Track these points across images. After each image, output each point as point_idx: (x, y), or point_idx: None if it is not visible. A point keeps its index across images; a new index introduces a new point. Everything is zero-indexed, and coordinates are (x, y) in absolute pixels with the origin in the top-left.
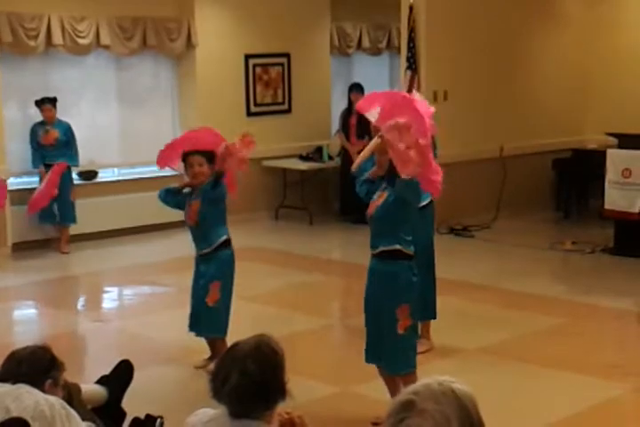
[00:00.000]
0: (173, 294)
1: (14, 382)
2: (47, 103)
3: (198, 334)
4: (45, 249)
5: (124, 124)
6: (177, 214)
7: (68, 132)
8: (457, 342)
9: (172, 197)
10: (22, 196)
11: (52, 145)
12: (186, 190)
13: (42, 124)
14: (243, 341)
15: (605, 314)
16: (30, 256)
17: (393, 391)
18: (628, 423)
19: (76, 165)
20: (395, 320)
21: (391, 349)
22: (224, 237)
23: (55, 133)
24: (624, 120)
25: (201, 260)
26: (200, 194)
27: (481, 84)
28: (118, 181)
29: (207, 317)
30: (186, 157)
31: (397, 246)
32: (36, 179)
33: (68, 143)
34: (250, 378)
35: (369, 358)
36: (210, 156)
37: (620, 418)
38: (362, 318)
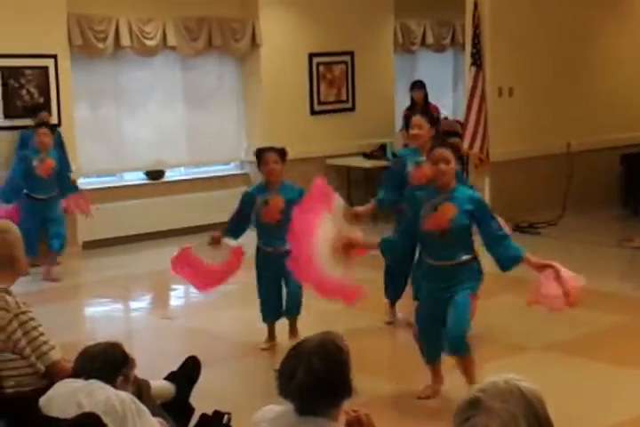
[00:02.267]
0: (237, 291)
1: (87, 378)
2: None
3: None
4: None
5: (190, 123)
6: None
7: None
8: (521, 341)
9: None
10: (92, 194)
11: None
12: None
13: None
14: (308, 338)
15: None
16: (100, 254)
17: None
18: None
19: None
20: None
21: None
22: None
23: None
24: None
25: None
26: (281, 194)
27: (547, 80)
28: (185, 180)
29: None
30: (260, 154)
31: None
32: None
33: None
34: (316, 375)
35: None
36: (283, 153)
37: None
38: None
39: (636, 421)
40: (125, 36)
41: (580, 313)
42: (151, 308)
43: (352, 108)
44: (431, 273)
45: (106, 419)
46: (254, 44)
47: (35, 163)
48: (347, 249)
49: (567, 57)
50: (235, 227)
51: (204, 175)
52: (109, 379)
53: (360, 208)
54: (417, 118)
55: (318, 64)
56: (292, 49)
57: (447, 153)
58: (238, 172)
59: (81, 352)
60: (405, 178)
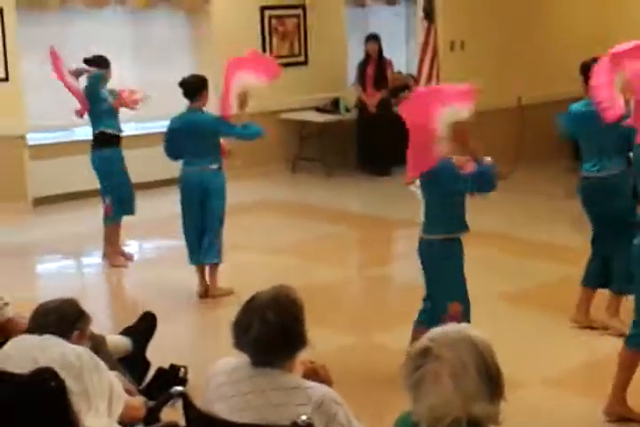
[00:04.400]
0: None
1: (42, 334)
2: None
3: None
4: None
5: (141, 78)
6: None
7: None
8: (474, 290)
9: None
10: (41, 150)
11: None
12: None
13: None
14: (262, 291)
15: None
16: (52, 210)
17: None
18: None
19: None
20: None
21: None
22: None
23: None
24: None
25: None
26: None
27: (498, 35)
28: (136, 136)
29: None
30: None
31: None
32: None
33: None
34: (270, 327)
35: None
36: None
37: None
38: (381, 270)
39: (581, 369)
40: None
41: (531, 264)
42: (104, 263)
43: (305, 62)
44: None
45: (62, 373)
46: None
47: None
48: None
49: (519, 13)
50: None
51: (156, 130)
52: (65, 334)
53: None
54: None
55: (270, 17)
56: (244, 1)
57: None
58: None
59: (35, 309)
60: None
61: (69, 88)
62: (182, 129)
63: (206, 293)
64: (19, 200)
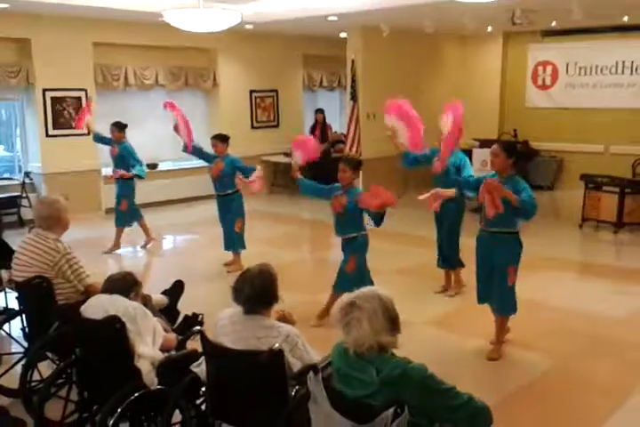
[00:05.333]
0: (203, 240)
1: (110, 294)
2: (116, 127)
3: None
4: None
5: (175, 134)
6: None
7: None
8: (379, 266)
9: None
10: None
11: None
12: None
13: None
14: (251, 267)
15: None
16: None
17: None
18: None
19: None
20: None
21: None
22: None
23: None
24: (483, 130)
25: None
26: (348, 195)
27: None
28: (171, 170)
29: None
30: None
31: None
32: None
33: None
34: (256, 289)
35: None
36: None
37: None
38: (324, 253)
39: (446, 315)
40: (131, 78)
41: (412, 250)
42: (150, 250)
43: (277, 125)
44: None
45: (123, 319)
46: (215, 83)
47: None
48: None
49: (407, 96)
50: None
51: (183, 166)
52: (125, 294)
53: None
54: None
55: (256, 97)
56: (239, 87)
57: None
58: (203, 164)
59: (107, 278)
60: None
61: (182, 128)
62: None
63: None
64: (96, 210)
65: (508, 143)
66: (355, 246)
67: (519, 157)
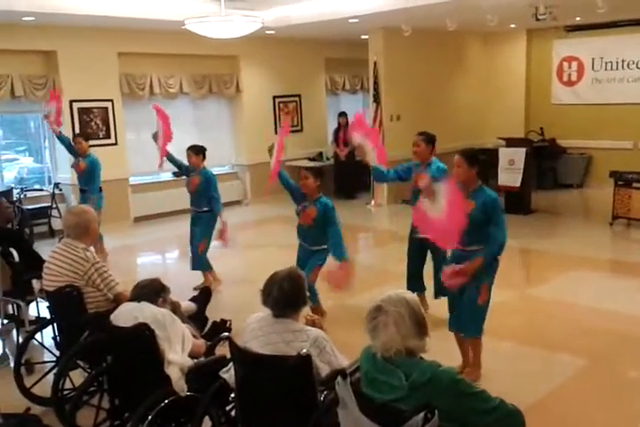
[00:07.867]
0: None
1: (139, 301)
2: (78, 136)
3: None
4: (155, 220)
5: (199, 141)
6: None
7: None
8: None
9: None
10: (137, 187)
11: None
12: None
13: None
14: (280, 270)
15: None
16: (145, 225)
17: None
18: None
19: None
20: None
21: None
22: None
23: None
24: (509, 129)
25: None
26: (314, 205)
27: (420, 110)
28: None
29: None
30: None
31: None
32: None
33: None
34: (284, 292)
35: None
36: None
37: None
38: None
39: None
40: (156, 86)
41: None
42: (177, 258)
43: (301, 130)
44: None
45: (152, 326)
46: (238, 90)
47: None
48: None
49: (431, 96)
50: None
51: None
52: (153, 301)
53: None
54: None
55: (279, 102)
56: (262, 93)
57: None
58: (230, 171)
59: (135, 285)
60: None
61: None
62: None
63: None
64: (125, 219)
65: (470, 152)
66: (322, 257)
67: (482, 166)
